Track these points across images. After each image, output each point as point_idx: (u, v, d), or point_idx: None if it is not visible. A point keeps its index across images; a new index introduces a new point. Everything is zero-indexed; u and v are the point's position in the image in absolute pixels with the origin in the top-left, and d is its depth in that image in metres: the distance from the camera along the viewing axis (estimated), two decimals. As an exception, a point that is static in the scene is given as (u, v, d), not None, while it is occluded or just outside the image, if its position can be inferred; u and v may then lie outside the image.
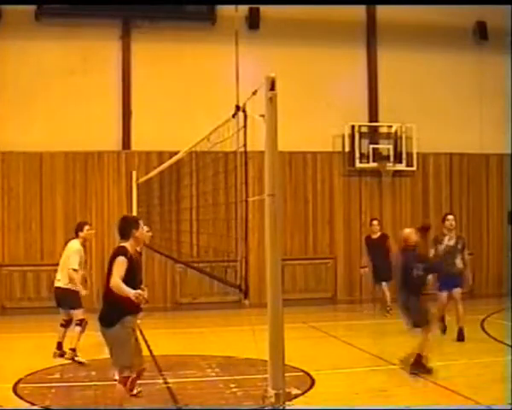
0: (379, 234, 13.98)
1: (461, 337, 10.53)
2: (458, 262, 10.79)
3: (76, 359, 9.24)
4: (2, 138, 14.43)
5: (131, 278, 6.20)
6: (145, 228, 7.14)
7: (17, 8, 14.52)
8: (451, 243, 10.83)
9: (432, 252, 10.73)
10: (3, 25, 14.66)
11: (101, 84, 15.08)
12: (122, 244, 6.40)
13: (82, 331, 9.32)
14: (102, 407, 6.98)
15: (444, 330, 11.09)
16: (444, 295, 10.81)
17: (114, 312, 6.21)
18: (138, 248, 7.70)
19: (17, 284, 14.46)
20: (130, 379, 6.19)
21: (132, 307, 6.18)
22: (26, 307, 14.28)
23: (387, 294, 13.23)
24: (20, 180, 14.67)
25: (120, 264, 6.21)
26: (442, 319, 11.06)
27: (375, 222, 14.19)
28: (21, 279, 14.50)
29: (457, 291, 10.74)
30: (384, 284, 13.36)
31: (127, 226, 6.47)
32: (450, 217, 10.99)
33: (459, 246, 10.86)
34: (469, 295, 16.13)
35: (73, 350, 9.28)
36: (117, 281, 6.11)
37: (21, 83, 14.70)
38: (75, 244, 9.57)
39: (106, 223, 14.79)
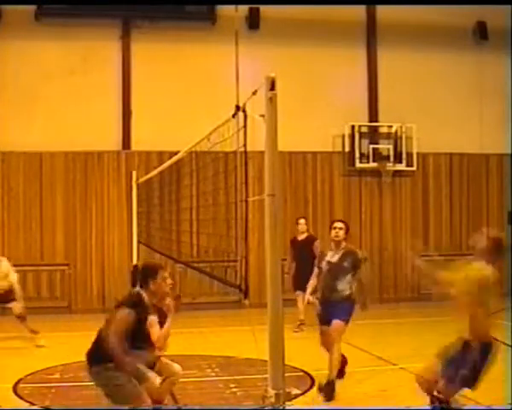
0: (306, 234, 12.35)
1: (328, 395, 7.43)
2: (342, 286, 7.85)
3: None
4: (2, 138, 14.43)
5: (137, 337, 5.70)
6: (168, 280, 6.12)
7: (17, 8, 14.53)
8: (334, 259, 8.00)
9: (315, 272, 8.22)
10: (3, 25, 14.66)
11: (101, 84, 15.08)
12: (140, 291, 5.87)
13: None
14: (102, 407, 6.98)
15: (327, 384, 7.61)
16: (327, 330, 7.90)
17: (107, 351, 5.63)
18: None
19: (17, 284, 14.43)
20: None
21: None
22: (26, 307, 14.23)
23: (300, 305, 11.27)
24: (20, 180, 14.67)
25: (124, 320, 5.59)
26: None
27: (301, 221, 12.36)
28: (21, 279, 14.41)
29: (334, 325, 7.76)
30: (298, 292, 11.50)
31: (144, 275, 5.96)
32: (336, 224, 8.13)
33: (345, 264, 7.90)
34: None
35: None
36: (115, 344, 5.53)
37: (21, 83, 14.70)
38: None
39: (106, 223, 14.80)
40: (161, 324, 6.09)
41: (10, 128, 14.53)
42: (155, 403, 6.01)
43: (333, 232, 8.02)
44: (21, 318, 10.96)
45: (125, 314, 5.66)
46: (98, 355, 5.73)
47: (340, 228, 8.00)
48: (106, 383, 5.74)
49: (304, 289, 10.05)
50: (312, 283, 8.23)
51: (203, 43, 15.26)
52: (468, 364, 6.21)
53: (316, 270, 8.20)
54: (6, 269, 11.26)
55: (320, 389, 7.50)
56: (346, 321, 7.75)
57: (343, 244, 7.99)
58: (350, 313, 7.79)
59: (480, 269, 6.30)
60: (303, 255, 11.67)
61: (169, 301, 6.01)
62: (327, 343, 7.86)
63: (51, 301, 14.46)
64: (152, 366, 6.25)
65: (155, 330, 5.93)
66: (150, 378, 6.10)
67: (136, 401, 5.67)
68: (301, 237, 12.30)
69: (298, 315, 11.78)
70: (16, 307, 11.01)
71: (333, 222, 8.29)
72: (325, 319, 7.92)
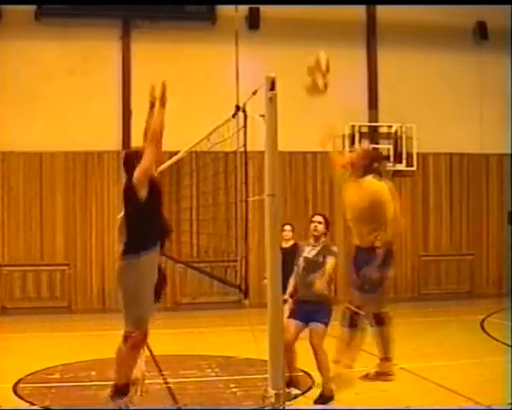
0: (291, 242, 10.92)
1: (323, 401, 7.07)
2: (320, 283, 7.17)
3: None
4: (2, 138, 14.43)
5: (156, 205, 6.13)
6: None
7: (17, 8, 14.52)
8: (311, 254, 7.47)
9: (295, 270, 7.64)
10: (3, 25, 14.66)
11: (101, 84, 15.08)
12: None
13: None
14: (102, 407, 6.98)
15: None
16: (292, 324, 7.21)
17: (140, 240, 6.05)
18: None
19: (17, 284, 14.45)
20: (135, 340, 5.94)
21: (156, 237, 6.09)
22: (26, 307, 14.27)
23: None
24: (20, 180, 14.67)
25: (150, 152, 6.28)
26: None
27: (287, 227, 10.98)
28: (21, 279, 14.49)
29: (315, 328, 7.15)
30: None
31: (129, 162, 6.40)
32: (315, 218, 7.60)
33: (321, 259, 7.36)
34: (469, 295, 16.23)
35: None
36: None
37: (21, 83, 14.70)
38: None
39: (106, 223, 14.80)
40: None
41: (10, 128, 14.52)
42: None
43: (311, 226, 7.53)
44: None
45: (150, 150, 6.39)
46: (129, 246, 6.05)
47: (320, 222, 7.52)
48: (128, 281, 5.98)
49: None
50: (292, 282, 7.68)
51: (203, 43, 15.26)
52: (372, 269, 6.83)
53: (295, 268, 7.64)
54: None
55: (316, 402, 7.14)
56: (326, 325, 7.20)
57: (322, 239, 7.51)
58: (329, 316, 7.26)
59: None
60: (287, 264, 10.91)
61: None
62: (290, 340, 7.08)
63: (51, 301, 14.46)
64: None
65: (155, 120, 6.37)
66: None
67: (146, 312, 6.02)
68: (286, 245, 11.76)
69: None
70: None
71: (313, 215, 7.79)
72: (297, 316, 7.29)
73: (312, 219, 7.64)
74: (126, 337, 6.08)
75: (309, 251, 7.52)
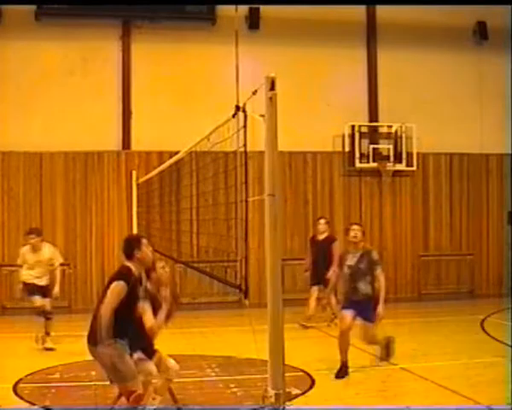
0: (325, 234, 12.36)
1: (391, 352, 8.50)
2: (364, 287, 8.29)
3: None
4: (2, 138, 14.42)
5: (128, 311, 5.70)
6: (166, 269, 6.41)
7: (17, 8, 14.52)
8: (353, 262, 8.39)
9: (336, 272, 8.85)
10: (3, 25, 14.65)
11: (101, 84, 15.08)
12: (126, 264, 5.93)
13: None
14: (102, 407, 6.98)
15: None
16: (348, 315, 8.32)
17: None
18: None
19: (17, 284, 14.42)
20: (136, 394, 5.72)
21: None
22: (26, 307, 14.23)
23: (312, 302, 11.88)
24: (20, 180, 14.66)
25: (116, 292, 5.65)
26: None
27: (321, 221, 12.49)
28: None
29: (365, 324, 8.32)
30: (314, 288, 11.94)
31: (128, 247, 5.99)
32: (354, 227, 8.59)
33: (362, 266, 8.31)
34: (469, 295, 16.23)
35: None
36: (106, 316, 5.58)
37: (21, 83, 14.70)
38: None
39: (106, 223, 14.80)
40: (155, 312, 6.13)
41: (10, 128, 14.52)
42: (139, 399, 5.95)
43: (351, 233, 8.44)
44: (49, 315, 10.52)
45: (116, 286, 5.69)
46: (96, 334, 5.71)
47: (358, 230, 8.43)
48: (105, 361, 5.74)
49: (320, 285, 11.50)
50: (333, 281, 9.00)
51: (203, 44, 15.26)
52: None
53: (337, 270, 8.64)
54: (51, 254, 10.78)
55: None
56: (373, 321, 8.25)
57: (361, 245, 8.43)
58: (374, 313, 8.23)
59: None
60: (322, 255, 11.85)
61: (165, 291, 6.03)
62: (345, 332, 8.25)
63: (51, 301, 14.42)
64: (150, 355, 6.25)
65: (149, 317, 5.97)
66: (148, 369, 6.17)
67: (133, 382, 5.72)
68: (321, 237, 12.33)
69: (306, 311, 11.87)
70: (48, 303, 10.57)
71: (350, 224, 8.73)
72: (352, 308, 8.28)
73: (351, 227, 8.55)
74: (123, 395, 5.97)
75: (351, 258, 8.41)
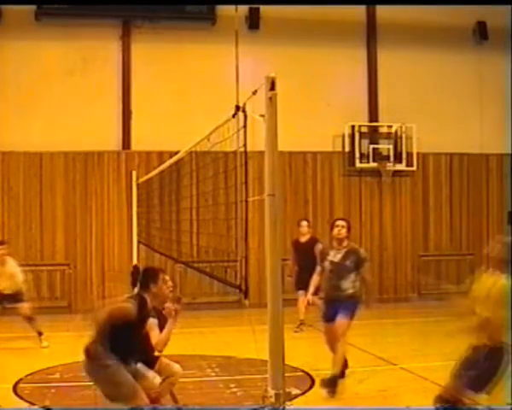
0: (308, 237, 12.11)
1: (331, 390, 7.44)
2: (346, 285, 7.76)
3: None
4: (2, 138, 14.43)
5: (136, 333, 5.65)
6: (169, 283, 6.04)
7: (17, 8, 14.52)
8: (336, 258, 7.90)
9: (318, 270, 8.19)
10: (3, 25, 14.66)
11: (101, 84, 15.08)
12: (142, 294, 5.73)
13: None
14: (102, 407, 6.98)
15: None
16: (328, 326, 7.93)
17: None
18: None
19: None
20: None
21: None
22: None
23: (301, 306, 11.35)
24: (20, 180, 14.66)
25: (122, 308, 5.56)
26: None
27: (303, 223, 12.20)
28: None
29: (339, 322, 7.68)
30: (300, 292, 11.40)
31: (144, 278, 5.85)
32: (339, 222, 8.03)
33: (347, 263, 7.82)
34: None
35: None
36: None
37: (21, 83, 14.70)
38: None
39: (106, 223, 14.80)
40: (161, 327, 6.09)
41: (10, 128, 14.52)
42: (153, 403, 5.96)
43: (335, 230, 7.90)
44: (30, 318, 10.92)
45: (128, 306, 5.57)
46: (96, 351, 5.64)
47: (343, 226, 7.91)
48: (103, 380, 5.64)
49: (305, 289, 9.92)
50: (315, 281, 8.23)
51: (203, 44, 15.26)
52: (477, 366, 5.99)
53: (318, 268, 8.14)
54: (12, 269, 11.13)
55: (323, 384, 7.47)
56: (351, 319, 7.72)
57: (345, 242, 7.91)
58: (354, 311, 7.76)
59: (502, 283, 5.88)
60: (305, 257, 11.45)
61: (169, 305, 6.00)
62: (331, 341, 7.81)
63: (51, 301, 14.45)
64: (151, 366, 6.25)
65: (155, 334, 5.94)
66: (149, 378, 6.09)
67: (134, 399, 5.59)
68: (303, 239, 12.14)
69: (298, 315, 11.76)
70: (24, 307, 10.95)
71: (335, 220, 8.16)
72: (330, 317, 7.82)
73: (335, 223, 7.98)
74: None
75: (334, 255, 7.89)
